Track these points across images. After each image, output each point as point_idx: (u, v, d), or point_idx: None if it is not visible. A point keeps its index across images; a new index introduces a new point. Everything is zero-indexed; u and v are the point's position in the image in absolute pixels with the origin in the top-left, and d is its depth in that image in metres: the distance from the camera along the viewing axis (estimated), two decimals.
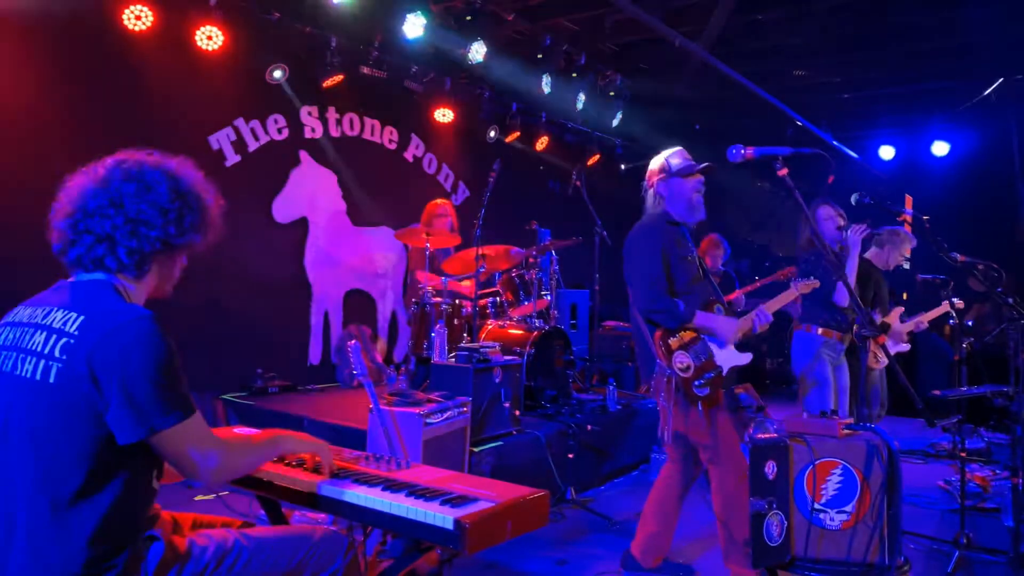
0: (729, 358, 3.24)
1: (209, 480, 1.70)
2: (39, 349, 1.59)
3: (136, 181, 1.72)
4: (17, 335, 1.66)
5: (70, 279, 1.75)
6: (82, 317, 1.59)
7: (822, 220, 4.42)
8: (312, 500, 1.92)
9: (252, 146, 5.87)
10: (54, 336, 1.59)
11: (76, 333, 1.57)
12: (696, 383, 3.12)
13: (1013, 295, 3.76)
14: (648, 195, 3.40)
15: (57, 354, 1.57)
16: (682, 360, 3.10)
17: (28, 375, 1.59)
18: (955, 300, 4.93)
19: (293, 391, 5.75)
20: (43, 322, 1.63)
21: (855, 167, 9.89)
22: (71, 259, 1.71)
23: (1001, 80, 7.71)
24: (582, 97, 7.62)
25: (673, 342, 3.11)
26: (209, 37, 5.29)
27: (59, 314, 1.62)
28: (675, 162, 3.33)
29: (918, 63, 7.72)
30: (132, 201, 1.69)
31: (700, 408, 3.13)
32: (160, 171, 1.75)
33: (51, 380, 1.56)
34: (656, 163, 3.39)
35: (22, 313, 1.71)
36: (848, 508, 3.16)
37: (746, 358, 3.31)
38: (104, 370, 1.54)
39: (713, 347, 3.20)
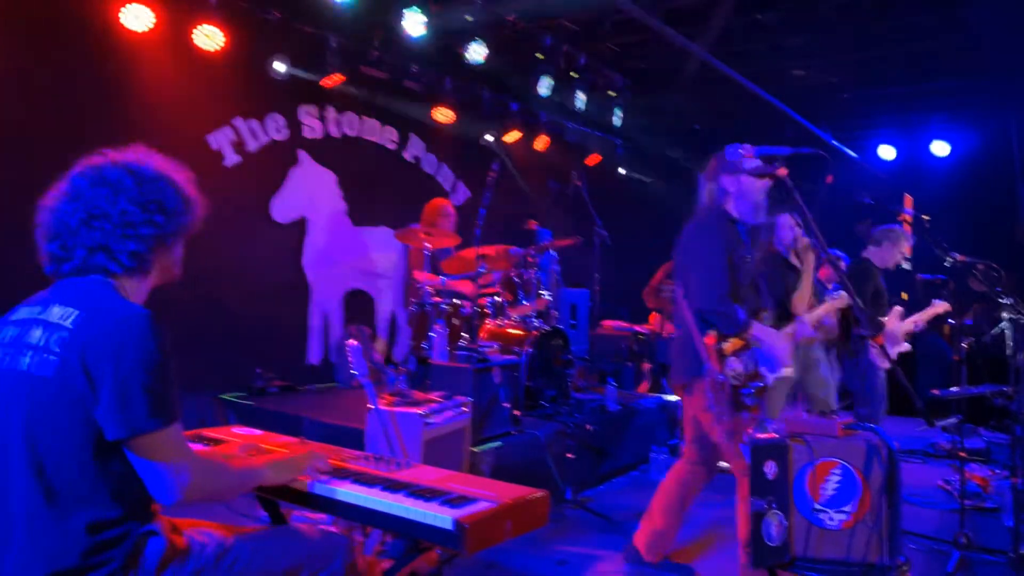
0: (772, 370, 3.18)
1: (177, 496, 1.63)
2: (36, 343, 1.61)
3: (102, 184, 1.71)
4: (17, 332, 1.68)
5: (68, 279, 1.75)
6: (79, 313, 1.61)
7: (780, 228, 4.38)
8: (312, 500, 1.92)
9: (251, 146, 5.86)
10: (51, 331, 1.61)
11: (72, 328, 1.59)
12: (744, 391, 3.06)
13: (1013, 295, 3.76)
14: (708, 187, 3.27)
15: (54, 348, 1.59)
16: (734, 366, 3.05)
17: (25, 368, 1.61)
18: (939, 302, 4.92)
19: (293, 391, 5.74)
20: (41, 317, 1.65)
21: (855, 167, 9.88)
22: (66, 271, 1.72)
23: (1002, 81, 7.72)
24: (582, 97, 7.62)
25: (726, 347, 3.04)
26: (209, 37, 5.29)
27: (57, 310, 1.64)
28: (746, 157, 3.17)
29: (918, 63, 7.71)
30: (110, 204, 1.69)
31: (744, 416, 3.08)
32: (119, 168, 1.75)
33: (47, 374, 1.58)
34: (721, 158, 3.23)
35: (22, 311, 1.73)
36: (848, 508, 3.16)
37: (789, 370, 3.26)
38: (97, 366, 1.55)
39: (759, 357, 3.14)
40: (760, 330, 3.12)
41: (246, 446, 2.22)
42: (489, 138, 7.12)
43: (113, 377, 1.55)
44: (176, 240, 1.81)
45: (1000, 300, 3.73)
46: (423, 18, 5.90)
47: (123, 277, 1.73)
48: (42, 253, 1.74)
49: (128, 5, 4.85)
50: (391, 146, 7.02)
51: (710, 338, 3.04)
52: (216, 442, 2.31)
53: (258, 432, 2.48)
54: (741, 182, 3.19)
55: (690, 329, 3.11)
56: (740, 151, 3.05)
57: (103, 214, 1.69)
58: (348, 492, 1.86)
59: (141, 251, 1.72)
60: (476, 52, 6.41)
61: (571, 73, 7.44)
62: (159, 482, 1.62)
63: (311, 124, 6.30)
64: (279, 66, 5.74)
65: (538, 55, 6.97)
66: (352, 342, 3.03)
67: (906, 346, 5.04)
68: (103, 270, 1.70)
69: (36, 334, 1.63)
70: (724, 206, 3.23)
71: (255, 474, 1.87)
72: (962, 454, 3.99)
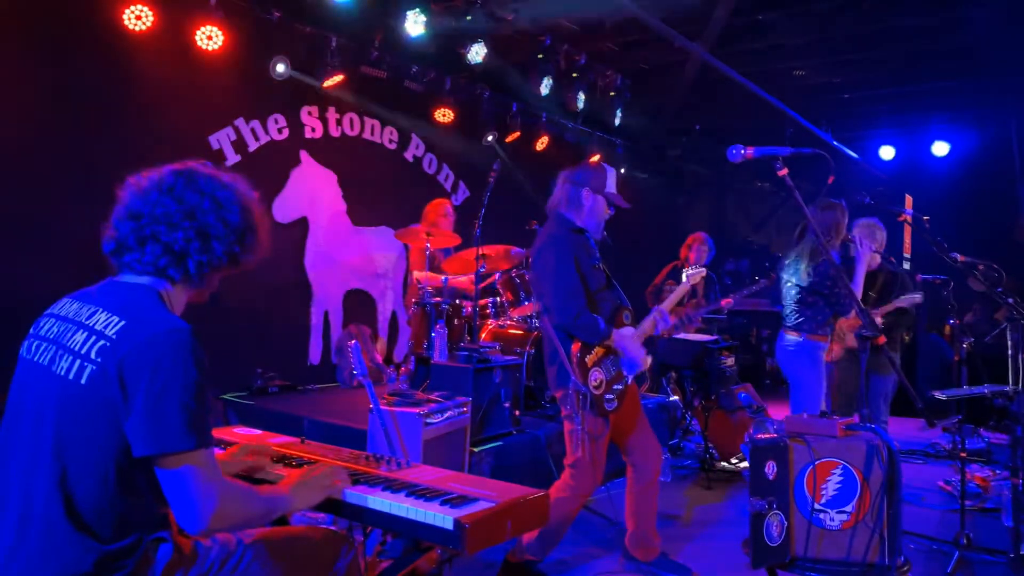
0: (631, 368, 3.32)
1: (203, 525, 1.57)
2: (77, 348, 1.59)
3: (209, 197, 1.73)
4: (60, 329, 1.67)
5: (118, 278, 1.74)
6: (123, 322, 1.59)
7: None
8: None
9: (252, 146, 5.87)
10: (92, 337, 1.59)
11: (114, 337, 1.57)
12: (607, 397, 3.20)
13: (1013, 295, 3.77)
14: (565, 190, 3.37)
15: (93, 356, 1.56)
16: (596, 377, 3.17)
17: (63, 373, 1.59)
18: (915, 296, 4.88)
19: (293, 391, 5.74)
20: (85, 321, 1.63)
21: (855, 167, 9.89)
22: (125, 261, 1.70)
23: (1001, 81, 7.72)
24: (582, 97, 7.62)
25: (589, 359, 3.17)
26: (209, 37, 5.28)
27: (102, 315, 1.62)
28: (611, 184, 3.37)
29: (918, 63, 7.72)
30: (205, 215, 1.71)
31: (606, 421, 3.22)
32: (230, 191, 1.77)
33: (83, 381, 1.56)
34: (594, 172, 3.37)
35: (68, 307, 1.71)
36: (848, 508, 3.16)
37: (647, 362, 3.38)
38: (133, 378, 1.53)
39: (619, 359, 3.28)
40: (619, 338, 3.25)
41: (276, 456, 2.18)
42: (490, 138, 7.15)
43: (147, 390, 1.52)
44: (229, 270, 1.81)
45: (1000, 300, 3.73)
46: (423, 19, 5.90)
47: (178, 284, 1.72)
48: (110, 229, 1.72)
49: (129, 6, 4.86)
50: (391, 146, 7.02)
51: (573, 351, 3.16)
52: (219, 443, 2.30)
53: (258, 432, 2.48)
54: (597, 201, 3.34)
55: (555, 343, 3.22)
56: (741, 152, 3.05)
57: (194, 218, 1.69)
58: (349, 492, 1.86)
59: (211, 264, 1.73)
60: (476, 52, 6.41)
61: (571, 73, 7.44)
62: (186, 509, 1.57)
63: (312, 124, 6.31)
64: (280, 67, 5.73)
65: (538, 55, 6.98)
66: (353, 342, 3.04)
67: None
68: (163, 273, 1.69)
69: (78, 338, 1.61)
70: (569, 214, 3.35)
71: (282, 502, 1.79)
72: (962, 454, 3.99)
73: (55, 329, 1.68)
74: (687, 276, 3.71)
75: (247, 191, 1.83)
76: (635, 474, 3.45)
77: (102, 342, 1.57)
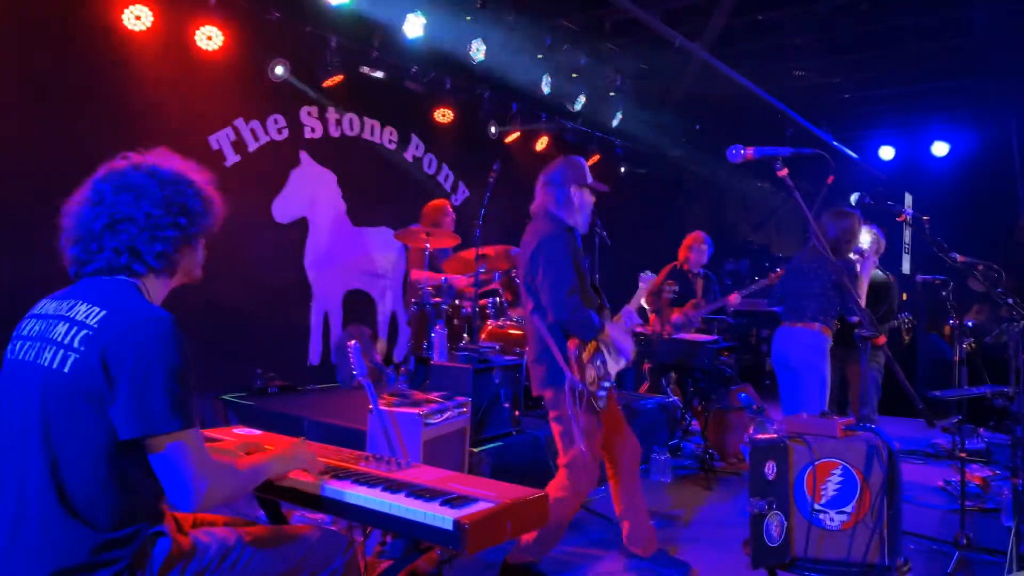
0: (614, 365, 3.35)
1: (195, 503, 1.62)
2: (60, 339, 1.63)
3: (125, 190, 1.74)
4: (42, 326, 1.70)
5: (94, 278, 1.76)
6: (104, 312, 1.63)
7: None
8: (313, 500, 1.93)
9: (252, 146, 5.86)
10: (75, 328, 1.62)
11: (96, 326, 1.61)
12: (598, 394, 3.22)
13: (1013, 295, 3.76)
14: (549, 193, 3.35)
15: (76, 345, 1.60)
16: (590, 373, 3.19)
17: (47, 363, 1.62)
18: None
19: (293, 391, 5.74)
20: (67, 314, 1.66)
21: (855, 167, 9.89)
22: (90, 272, 1.74)
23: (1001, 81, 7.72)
24: (582, 97, 7.62)
25: (584, 355, 3.18)
26: (209, 37, 5.28)
27: (83, 307, 1.66)
28: (588, 172, 3.39)
29: (918, 63, 7.72)
30: (134, 208, 1.72)
31: (596, 417, 3.23)
32: (140, 172, 1.77)
33: (67, 370, 1.59)
34: (572, 167, 3.37)
35: (48, 306, 1.75)
36: (848, 508, 3.16)
37: (623, 362, 3.40)
38: (117, 364, 1.56)
39: (606, 356, 3.30)
40: (613, 330, 3.28)
41: (244, 444, 2.22)
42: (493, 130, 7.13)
43: (131, 376, 1.56)
44: (199, 241, 1.84)
45: (1000, 300, 3.73)
46: (422, 19, 5.90)
47: (147, 277, 1.75)
48: (65, 256, 1.77)
49: (129, 6, 4.85)
50: (391, 146, 7.02)
51: (570, 347, 3.16)
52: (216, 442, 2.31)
53: (258, 432, 2.48)
54: (583, 195, 3.35)
55: (546, 340, 3.20)
56: (741, 152, 3.05)
57: (127, 218, 1.71)
58: (348, 492, 1.86)
59: (168, 252, 1.74)
60: (476, 52, 6.41)
61: (571, 73, 7.44)
62: (179, 488, 1.61)
63: (312, 124, 6.30)
64: (279, 70, 5.73)
65: (538, 55, 6.98)
66: (352, 342, 3.04)
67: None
68: (128, 270, 1.72)
69: (60, 330, 1.64)
70: (560, 213, 3.33)
71: (261, 469, 1.87)
72: (962, 455, 3.99)
73: (37, 327, 1.71)
74: (641, 280, 3.72)
75: (164, 163, 1.81)
76: (616, 472, 3.50)
77: (84, 331, 1.60)
